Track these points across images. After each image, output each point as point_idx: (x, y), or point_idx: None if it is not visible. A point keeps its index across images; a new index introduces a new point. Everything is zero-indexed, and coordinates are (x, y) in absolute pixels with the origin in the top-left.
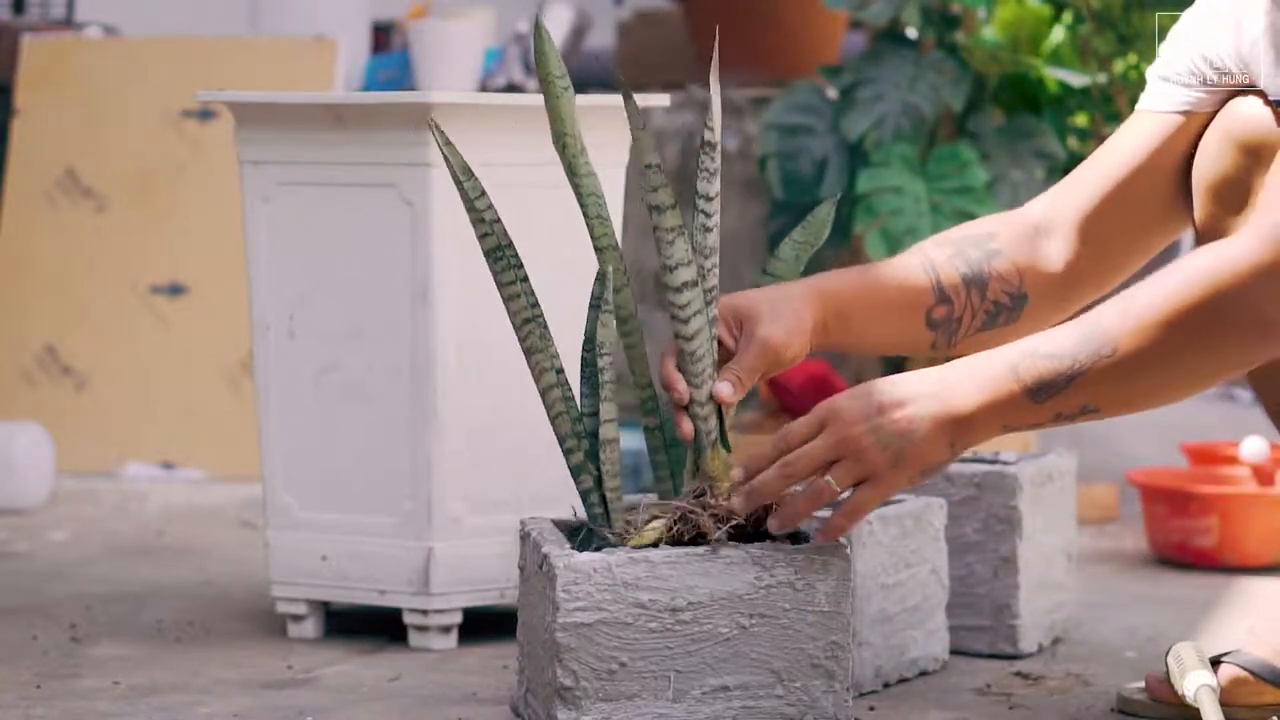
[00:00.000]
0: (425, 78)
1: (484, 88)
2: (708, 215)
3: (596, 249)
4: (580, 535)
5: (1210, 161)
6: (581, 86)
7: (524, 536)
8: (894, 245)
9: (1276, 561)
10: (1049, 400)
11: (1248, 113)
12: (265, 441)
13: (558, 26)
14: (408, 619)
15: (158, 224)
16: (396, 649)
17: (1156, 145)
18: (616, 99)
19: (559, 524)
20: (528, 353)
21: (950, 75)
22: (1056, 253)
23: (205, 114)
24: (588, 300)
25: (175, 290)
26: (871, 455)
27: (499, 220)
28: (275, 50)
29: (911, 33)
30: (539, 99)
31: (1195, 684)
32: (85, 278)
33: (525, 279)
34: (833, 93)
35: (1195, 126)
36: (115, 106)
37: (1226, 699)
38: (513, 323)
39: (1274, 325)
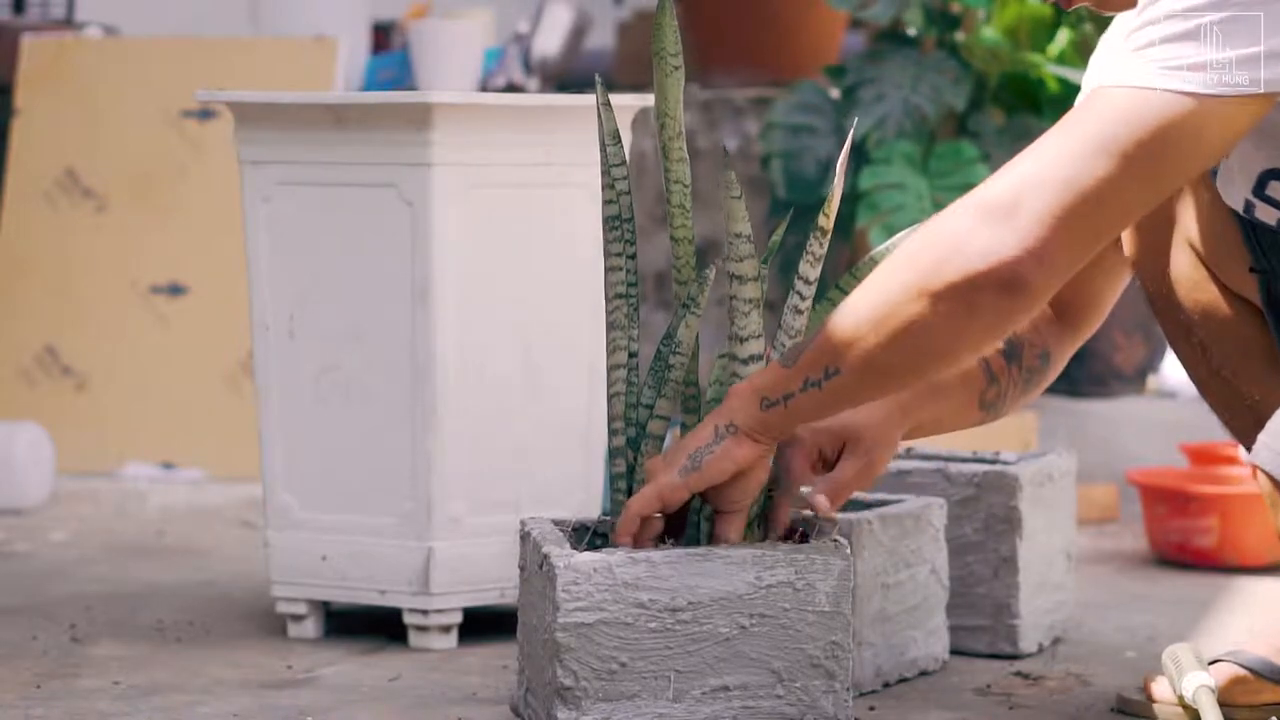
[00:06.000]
0: (425, 78)
1: (484, 88)
2: (802, 298)
3: (673, 239)
4: (585, 536)
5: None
6: (581, 86)
7: (524, 536)
8: None
9: (1276, 561)
10: (797, 363)
11: None
12: (265, 441)
13: (558, 26)
14: (408, 619)
15: (158, 224)
16: (396, 649)
17: None
18: (617, 99)
19: (559, 524)
20: (610, 326)
21: (951, 75)
22: (1049, 304)
23: (205, 114)
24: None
25: (175, 290)
26: (655, 465)
27: (629, 193)
28: (275, 50)
29: (912, 32)
30: (539, 99)
31: (1194, 684)
32: (85, 278)
33: (633, 256)
34: (835, 92)
35: None
36: (115, 106)
37: (1225, 698)
38: (606, 294)
39: (979, 282)
